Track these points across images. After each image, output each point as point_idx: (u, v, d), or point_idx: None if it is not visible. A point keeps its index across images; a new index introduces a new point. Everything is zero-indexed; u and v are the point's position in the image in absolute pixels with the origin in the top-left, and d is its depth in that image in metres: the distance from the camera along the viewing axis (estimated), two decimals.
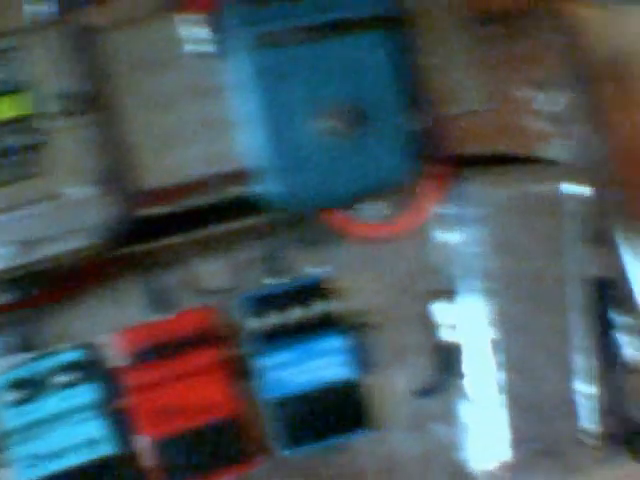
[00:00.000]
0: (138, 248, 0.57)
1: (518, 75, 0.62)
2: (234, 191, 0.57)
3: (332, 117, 0.55)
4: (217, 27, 0.55)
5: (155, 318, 0.57)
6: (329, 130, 0.55)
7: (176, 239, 0.58)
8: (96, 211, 0.53)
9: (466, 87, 0.59)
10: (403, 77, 0.56)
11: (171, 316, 0.57)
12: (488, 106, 0.60)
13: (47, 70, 0.53)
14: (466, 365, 0.61)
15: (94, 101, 0.54)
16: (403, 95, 0.56)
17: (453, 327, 0.61)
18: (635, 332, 0.64)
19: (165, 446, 0.56)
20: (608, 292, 0.63)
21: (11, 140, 0.53)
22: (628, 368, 0.64)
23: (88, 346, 0.56)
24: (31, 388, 0.55)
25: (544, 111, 0.63)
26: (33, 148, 0.53)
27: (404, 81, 0.56)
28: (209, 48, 0.56)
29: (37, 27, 0.54)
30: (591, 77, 0.63)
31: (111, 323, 0.57)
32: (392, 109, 0.55)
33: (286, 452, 0.58)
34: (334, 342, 0.59)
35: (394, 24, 0.56)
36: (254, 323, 0.58)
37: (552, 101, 0.62)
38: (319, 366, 0.58)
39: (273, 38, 0.54)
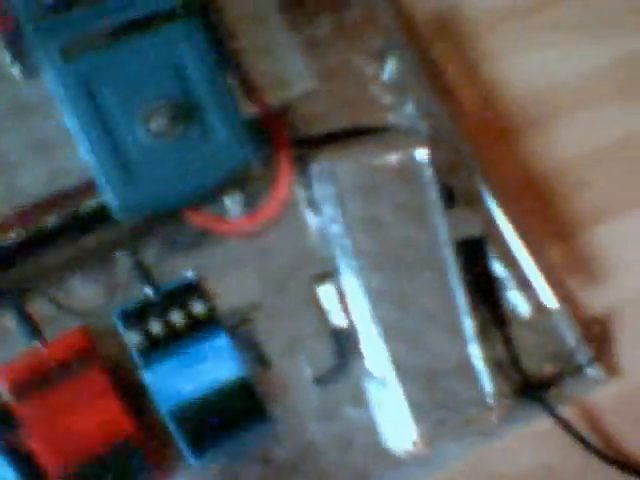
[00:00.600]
0: (5, 278, 0.56)
1: (352, 47, 0.63)
2: (87, 204, 0.56)
3: (156, 117, 0.53)
4: (19, 47, 0.54)
5: (32, 347, 0.56)
6: (156, 131, 0.53)
7: (39, 262, 0.57)
8: None
9: (296, 68, 0.58)
10: (220, 66, 0.55)
11: (47, 343, 0.56)
12: (323, 83, 0.60)
13: None
14: (362, 344, 0.60)
15: None
16: (225, 84, 0.55)
17: (341, 308, 0.60)
18: (517, 285, 0.65)
19: (71, 477, 0.54)
20: (484, 250, 0.64)
21: None
22: (516, 321, 0.65)
23: None
24: None
25: (383, 80, 0.63)
26: None
27: (223, 70, 0.56)
28: (16, 70, 0.55)
29: None
30: (421, 40, 0.64)
31: None
32: (218, 99, 0.54)
33: (194, 460, 0.57)
34: (219, 342, 0.58)
35: (193, 13, 0.54)
36: (134, 336, 0.57)
37: (388, 69, 0.63)
38: (208, 368, 0.57)
39: (76, 47, 0.53)
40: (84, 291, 0.59)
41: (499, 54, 0.67)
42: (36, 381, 0.55)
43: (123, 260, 0.58)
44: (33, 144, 0.55)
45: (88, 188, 0.55)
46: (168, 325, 0.57)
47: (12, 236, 0.56)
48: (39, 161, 0.55)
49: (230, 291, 0.59)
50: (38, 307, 0.58)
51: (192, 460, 0.57)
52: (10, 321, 0.57)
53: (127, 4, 0.53)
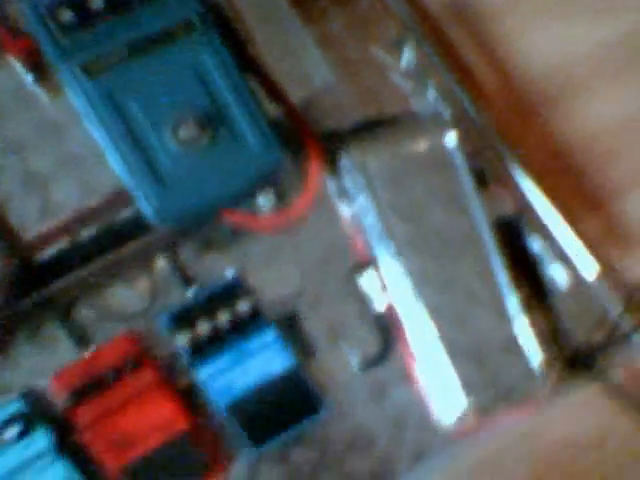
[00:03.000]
0: (49, 291, 0.58)
1: (368, 38, 0.64)
2: (122, 213, 0.58)
3: (184, 126, 0.55)
4: (41, 66, 0.56)
5: (82, 354, 0.58)
6: (185, 139, 0.55)
7: (81, 273, 0.59)
8: None
9: (313, 63, 0.60)
10: (242, 71, 0.57)
11: (97, 348, 0.58)
12: (343, 76, 0.62)
13: None
14: (405, 327, 0.61)
15: None
16: (248, 89, 0.57)
17: (383, 294, 0.62)
18: (556, 258, 0.66)
19: (129, 474, 0.57)
20: (520, 227, 0.65)
21: None
22: (558, 294, 0.65)
23: (27, 395, 0.57)
24: None
25: (402, 68, 0.65)
26: None
27: (245, 75, 0.57)
28: (40, 90, 0.57)
29: None
30: (437, 25, 0.65)
31: (44, 368, 0.58)
32: (243, 104, 0.56)
33: (253, 450, 0.59)
34: (267, 336, 0.59)
35: (211, 23, 0.56)
36: (183, 337, 0.58)
37: (406, 57, 0.64)
38: (258, 362, 0.59)
39: (98, 63, 0.54)
40: (126, 297, 0.60)
41: (516, 33, 0.68)
42: (90, 386, 0.57)
43: (162, 264, 0.60)
44: (64, 160, 0.57)
45: (122, 198, 0.57)
46: (215, 324, 0.59)
47: (53, 249, 0.58)
48: (71, 175, 0.57)
49: (270, 285, 0.61)
50: (83, 315, 0.60)
51: (251, 450, 0.59)
52: (58, 331, 0.59)
53: (145, 19, 0.55)
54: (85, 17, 0.54)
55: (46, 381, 0.57)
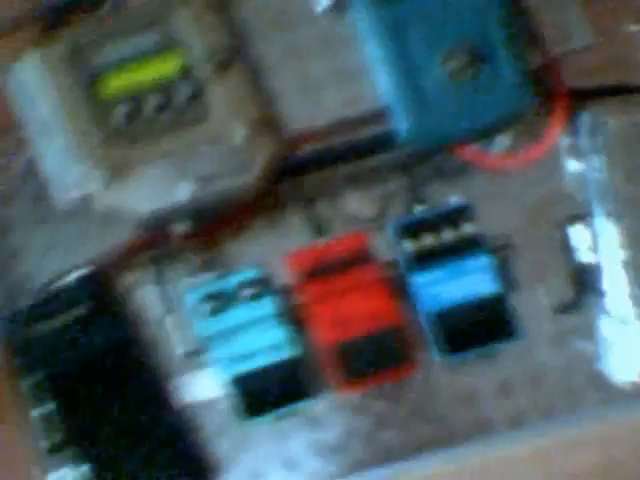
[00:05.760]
0: (297, 184, 0.66)
1: (626, 10, 0.68)
2: (373, 129, 0.64)
3: (454, 59, 0.60)
4: None
5: (316, 242, 0.65)
6: (453, 69, 0.60)
7: (327, 174, 0.65)
8: (255, 151, 0.61)
9: (576, 23, 0.64)
10: (513, 17, 0.62)
11: (330, 240, 0.65)
12: (599, 41, 0.66)
13: (197, 28, 0.61)
14: (605, 283, 0.66)
15: (240, 54, 0.61)
16: (515, 33, 0.62)
17: (590, 248, 0.66)
18: None
19: (339, 350, 0.64)
20: None
21: (175, 92, 0.61)
22: None
23: (263, 266, 0.65)
24: (222, 301, 0.64)
25: None
26: (195, 98, 0.61)
27: (514, 20, 0.62)
28: (333, 5, 0.62)
29: None
30: None
31: (278, 247, 0.66)
32: (506, 47, 0.61)
33: (443, 359, 0.64)
34: (481, 261, 0.65)
35: None
36: (408, 245, 0.65)
37: None
38: (469, 282, 0.65)
39: None
40: (362, 204, 0.66)
41: None
42: (321, 268, 0.64)
43: (398, 181, 0.66)
44: (336, 71, 0.63)
45: (377, 115, 0.62)
46: (439, 239, 0.65)
47: (306, 150, 0.64)
48: (340, 87, 0.63)
49: (489, 219, 0.66)
50: (321, 211, 0.66)
51: (442, 358, 0.65)
52: (297, 219, 0.66)
53: None
54: None
55: (280, 259, 0.65)
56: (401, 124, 0.61)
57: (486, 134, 0.65)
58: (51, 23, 0.64)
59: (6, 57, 0.62)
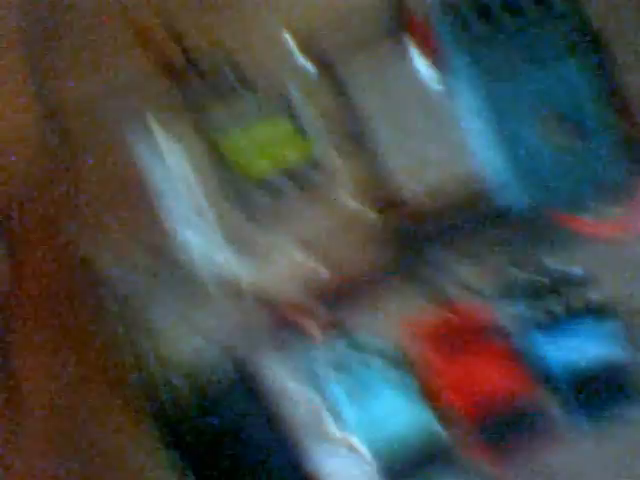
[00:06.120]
0: (416, 256, 0.68)
1: None
2: (481, 204, 0.67)
3: (556, 130, 0.64)
4: (442, 66, 0.66)
5: (439, 313, 0.68)
6: (554, 141, 0.64)
7: (445, 247, 0.68)
8: (382, 231, 0.64)
9: None
10: (610, 90, 0.65)
11: (452, 309, 0.67)
12: None
13: (321, 115, 0.65)
14: None
15: (360, 136, 0.66)
16: (612, 106, 0.65)
17: None
18: None
19: (482, 425, 0.66)
20: None
21: (306, 178, 0.65)
22: None
23: (389, 334, 0.67)
24: (356, 368, 0.66)
25: None
26: (324, 183, 0.65)
27: (612, 93, 0.65)
28: (438, 86, 0.67)
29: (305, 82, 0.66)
30: None
31: (401, 317, 0.67)
32: (603, 118, 0.65)
33: (577, 421, 0.66)
34: (607, 327, 0.67)
35: (593, 48, 0.65)
36: (533, 312, 0.67)
37: None
38: (593, 346, 0.66)
39: (494, 72, 0.64)
40: (472, 275, 0.69)
41: None
42: (445, 340, 0.66)
43: (507, 253, 0.69)
44: (447, 150, 0.67)
45: (481, 192, 0.66)
46: (562, 308, 0.67)
47: (425, 225, 0.67)
48: (450, 165, 0.67)
49: (605, 284, 0.68)
50: (437, 283, 0.69)
51: (578, 422, 0.66)
52: (421, 291, 0.68)
53: (537, 36, 0.65)
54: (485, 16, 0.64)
55: (405, 329, 0.67)
56: (509, 194, 0.65)
57: (588, 202, 0.68)
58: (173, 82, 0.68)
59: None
